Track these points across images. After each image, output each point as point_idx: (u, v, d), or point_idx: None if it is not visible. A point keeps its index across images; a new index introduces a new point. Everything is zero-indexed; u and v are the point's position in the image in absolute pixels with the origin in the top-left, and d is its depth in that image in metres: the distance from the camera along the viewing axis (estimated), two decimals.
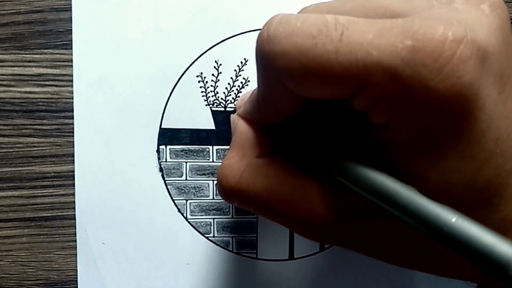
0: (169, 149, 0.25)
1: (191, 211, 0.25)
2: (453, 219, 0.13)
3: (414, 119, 0.13)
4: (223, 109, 0.25)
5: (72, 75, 0.25)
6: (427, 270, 0.17)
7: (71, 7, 0.24)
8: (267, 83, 0.15)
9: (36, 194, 0.25)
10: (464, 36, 0.12)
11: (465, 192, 0.14)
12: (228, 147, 0.25)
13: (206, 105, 0.25)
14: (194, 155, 0.25)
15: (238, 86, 0.25)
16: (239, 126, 0.19)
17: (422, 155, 0.14)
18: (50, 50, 0.25)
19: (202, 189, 0.25)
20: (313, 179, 0.17)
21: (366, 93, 0.13)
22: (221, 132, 0.25)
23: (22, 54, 0.24)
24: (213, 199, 0.26)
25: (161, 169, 0.25)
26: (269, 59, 0.14)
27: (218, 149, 0.25)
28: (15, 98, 0.25)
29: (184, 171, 0.25)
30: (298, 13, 0.16)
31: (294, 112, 0.16)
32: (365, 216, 0.16)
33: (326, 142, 0.17)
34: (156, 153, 0.25)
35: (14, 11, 0.24)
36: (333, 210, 0.16)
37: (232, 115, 0.20)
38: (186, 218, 0.25)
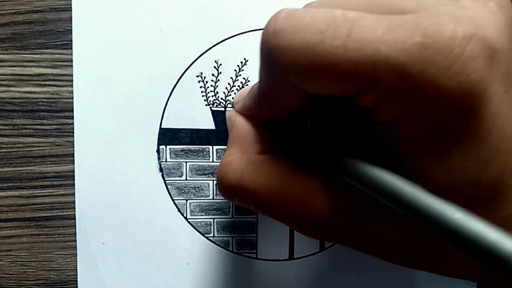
0: (169, 149, 0.25)
1: (191, 211, 0.25)
2: (458, 216, 0.13)
3: (421, 116, 0.13)
4: (223, 109, 0.25)
5: (72, 75, 0.25)
6: (428, 269, 0.17)
7: (71, 7, 0.24)
8: (270, 79, 0.15)
9: (36, 194, 0.25)
10: (474, 33, 0.12)
11: (470, 190, 0.14)
12: None
13: (206, 105, 0.25)
14: (194, 155, 0.25)
15: (238, 86, 0.25)
16: (237, 122, 0.19)
17: (427, 152, 0.14)
18: (50, 50, 0.25)
19: (202, 189, 0.25)
20: (315, 177, 0.17)
21: (374, 90, 0.13)
22: (221, 132, 0.25)
23: (22, 54, 0.24)
24: (213, 199, 0.26)
25: (161, 169, 0.25)
26: (275, 54, 0.13)
27: (218, 149, 0.25)
28: (15, 98, 0.25)
29: (184, 171, 0.25)
30: (304, 8, 0.16)
31: (297, 109, 0.16)
32: (366, 214, 0.16)
33: (328, 139, 0.17)
34: (156, 153, 0.25)
35: (14, 11, 0.24)
36: (334, 208, 0.16)
37: (228, 111, 0.20)
38: (186, 218, 0.25)
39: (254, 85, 0.18)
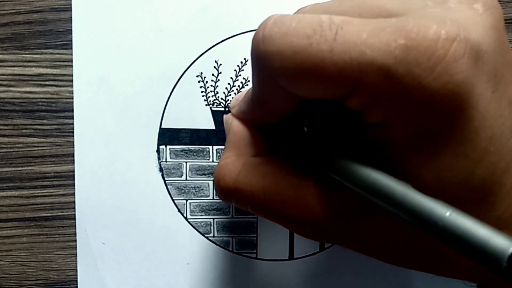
0: (169, 149, 0.25)
1: (191, 211, 0.25)
2: (447, 213, 0.13)
3: (408, 117, 0.13)
4: (223, 109, 0.25)
5: (72, 75, 0.25)
6: (425, 269, 0.17)
7: (71, 7, 0.24)
8: (262, 83, 0.16)
9: (36, 194, 0.25)
10: (457, 34, 0.12)
11: (460, 190, 0.14)
12: None
13: (206, 105, 0.25)
14: (194, 155, 0.25)
15: (238, 86, 0.25)
16: (234, 126, 0.19)
17: (416, 153, 0.14)
18: (50, 50, 0.25)
19: (202, 189, 0.25)
20: (309, 178, 0.17)
21: (361, 92, 0.13)
22: (221, 132, 0.25)
23: (22, 54, 0.24)
24: (213, 199, 0.26)
25: (161, 169, 0.25)
26: (264, 59, 0.14)
27: (218, 149, 0.25)
28: (15, 98, 0.25)
29: (184, 171, 0.25)
30: (294, 13, 0.16)
31: (289, 112, 0.16)
32: (362, 215, 0.16)
33: (321, 141, 0.17)
34: (156, 153, 0.25)
35: (14, 11, 0.24)
36: (329, 208, 0.16)
37: (225, 115, 0.20)
38: (186, 218, 0.25)
39: (249, 90, 0.18)
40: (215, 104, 0.25)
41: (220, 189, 0.18)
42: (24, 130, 0.25)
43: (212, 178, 0.25)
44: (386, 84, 0.13)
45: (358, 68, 0.12)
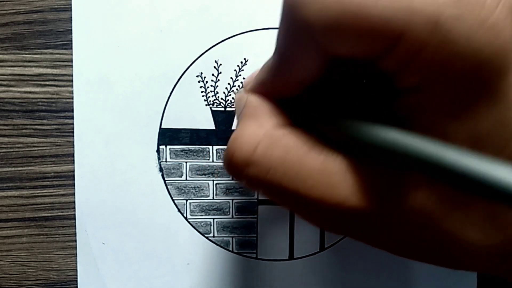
0: (169, 149, 0.25)
1: (191, 211, 0.25)
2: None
3: (449, 78, 0.12)
4: (223, 109, 0.25)
5: (72, 75, 0.25)
6: (441, 263, 0.15)
7: (71, 7, 0.24)
8: (290, 38, 0.14)
9: (36, 194, 0.25)
10: None
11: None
12: None
13: (206, 105, 0.25)
14: (194, 155, 0.25)
15: (238, 86, 0.25)
16: (251, 100, 0.17)
17: (454, 118, 0.13)
18: (50, 50, 0.25)
19: (202, 189, 0.25)
20: (336, 155, 0.15)
21: (402, 47, 0.12)
22: (221, 132, 0.25)
23: (22, 54, 0.24)
24: (213, 199, 0.26)
25: (161, 169, 0.25)
26: (299, 7, 0.12)
27: (218, 149, 0.25)
28: (15, 98, 0.25)
29: (184, 171, 0.25)
30: None
31: (314, 79, 0.15)
32: (394, 199, 0.14)
33: (348, 113, 0.16)
34: (156, 153, 0.25)
35: (14, 11, 0.24)
36: (356, 188, 0.14)
37: (237, 94, 0.18)
38: (186, 218, 0.25)
39: (268, 59, 0.17)
40: (215, 104, 0.25)
41: (234, 162, 0.15)
42: (24, 130, 0.25)
43: (213, 178, 0.25)
44: (432, 37, 0.12)
45: (404, 18, 0.11)
